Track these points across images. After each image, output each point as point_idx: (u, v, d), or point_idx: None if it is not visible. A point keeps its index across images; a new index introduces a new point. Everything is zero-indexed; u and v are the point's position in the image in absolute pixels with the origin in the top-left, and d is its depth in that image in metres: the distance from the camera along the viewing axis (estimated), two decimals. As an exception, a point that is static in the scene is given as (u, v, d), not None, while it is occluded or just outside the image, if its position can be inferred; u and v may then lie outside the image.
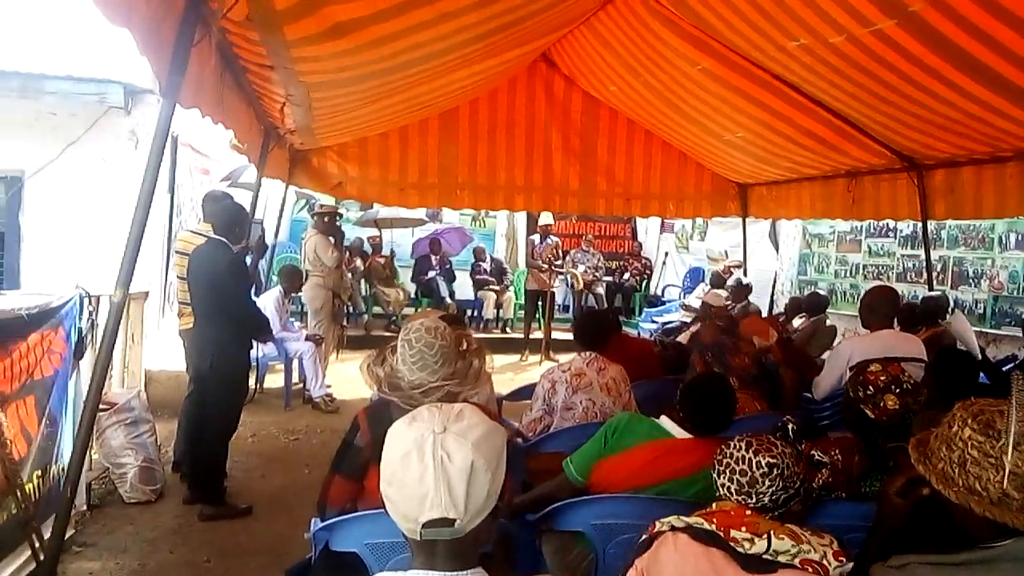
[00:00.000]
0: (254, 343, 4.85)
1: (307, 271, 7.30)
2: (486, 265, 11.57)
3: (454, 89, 5.97)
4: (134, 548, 3.95)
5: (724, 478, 1.84)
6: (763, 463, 1.79)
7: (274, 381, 7.48)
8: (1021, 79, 3.55)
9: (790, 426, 2.28)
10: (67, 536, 3.44)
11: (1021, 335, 6.52)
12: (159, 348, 6.66)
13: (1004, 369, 4.86)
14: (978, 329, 7.60)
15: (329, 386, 7.31)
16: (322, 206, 7.87)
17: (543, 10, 4.09)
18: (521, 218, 12.60)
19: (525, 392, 4.30)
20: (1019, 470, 1.46)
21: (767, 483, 1.78)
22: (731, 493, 1.82)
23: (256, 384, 6.95)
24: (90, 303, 4.06)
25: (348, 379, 7.92)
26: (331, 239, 7.33)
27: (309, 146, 6.75)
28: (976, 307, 7.79)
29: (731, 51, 4.92)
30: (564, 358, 9.35)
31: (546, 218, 10.31)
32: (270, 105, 4.38)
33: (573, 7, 4.64)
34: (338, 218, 7.65)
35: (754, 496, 1.79)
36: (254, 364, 5.37)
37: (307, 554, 2.55)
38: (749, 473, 1.79)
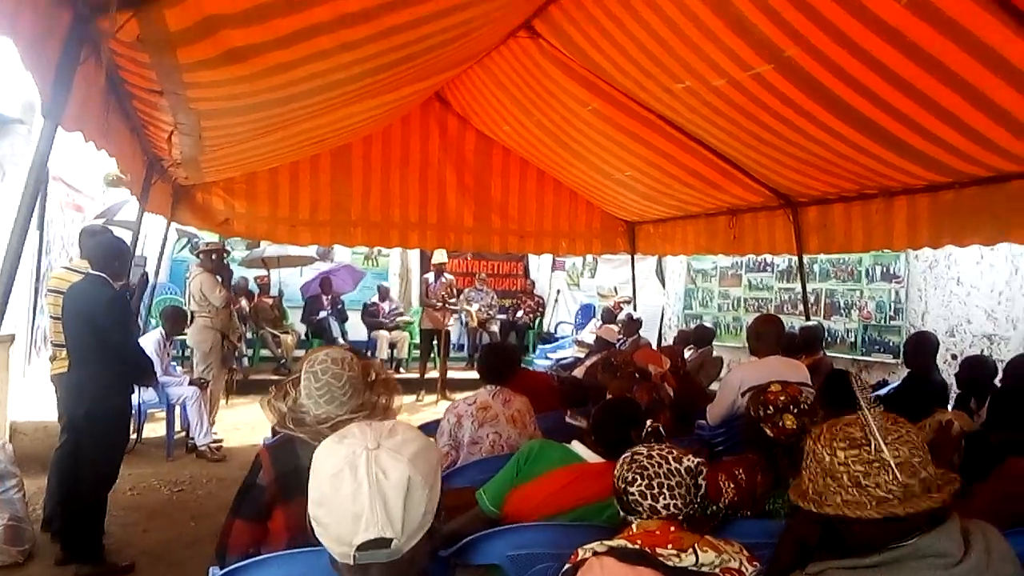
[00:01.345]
0: (135, 388, 4.54)
1: (192, 312, 6.94)
2: (388, 305, 11.38)
3: (348, 124, 5.90)
4: (-1, 616, 3.58)
5: (638, 486, 1.82)
6: (683, 466, 1.81)
7: (154, 430, 7.04)
8: (885, 120, 3.85)
9: (659, 427, 2.39)
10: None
11: (891, 360, 7.00)
12: (25, 397, 6.15)
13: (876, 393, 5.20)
14: (850, 356, 8.12)
15: (216, 433, 6.94)
16: (208, 243, 7.52)
17: (441, 45, 4.12)
18: (414, 257, 12.54)
19: (427, 429, 4.22)
20: (900, 457, 1.55)
21: (684, 488, 1.80)
22: (644, 501, 1.80)
23: (135, 433, 6.52)
24: (-51, 346, 3.72)
25: (235, 425, 7.57)
26: (218, 278, 7.01)
27: (194, 181, 6.49)
28: (848, 336, 8.31)
29: (619, 92, 5.12)
30: (461, 396, 9.33)
31: (440, 256, 10.30)
32: (155, 134, 4.18)
33: (471, 44, 4.70)
34: (225, 256, 7.33)
35: (673, 500, 1.78)
36: (133, 411, 5.02)
37: (205, 607, 2.37)
38: (675, 477, 1.80)
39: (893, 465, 1.54)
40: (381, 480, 1.07)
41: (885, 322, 7.90)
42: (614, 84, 5.01)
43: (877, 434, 1.56)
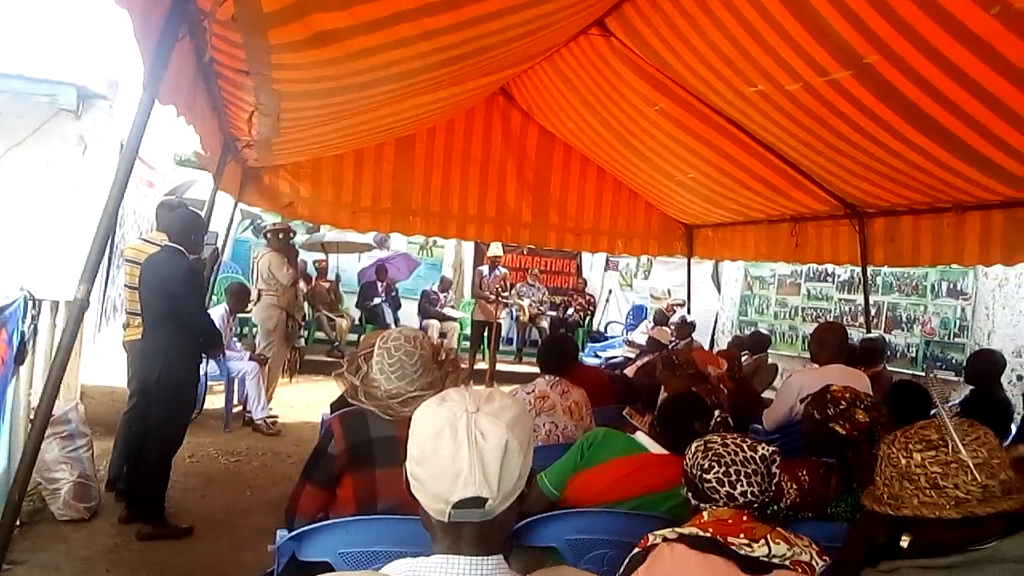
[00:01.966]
0: (204, 357, 4.70)
1: (260, 291, 7.12)
2: (443, 297, 11.52)
3: (415, 115, 6.00)
4: (68, 567, 3.75)
5: (715, 473, 1.82)
6: (757, 455, 1.82)
7: (213, 402, 7.26)
8: (964, 132, 3.77)
9: (727, 418, 2.41)
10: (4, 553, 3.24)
11: (954, 378, 6.83)
12: (94, 363, 6.40)
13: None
14: (911, 372, 7.94)
15: (271, 409, 7.13)
16: (275, 224, 7.72)
17: (517, 38, 4.17)
18: (469, 249, 12.64)
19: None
20: (979, 458, 1.54)
21: (760, 476, 1.81)
22: (721, 488, 1.80)
23: (198, 404, 6.73)
24: (33, 307, 3.89)
25: (290, 403, 7.75)
26: (285, 257, 7.19)
27: (264, 163, 6.67)
28: (908, 351, 8.13)
29: (689, 93, 5.09)
30: (508, 389, 9.38)
31: (495, 249, 10.37)
32: (236, 114, 4.32)
33: (543, 39, 4.74)
34: (291, 236, 7.52)
35: (751, 487, 1.79)
36: (199, 381, 5.20)
37: (267, 568, 2.46)
38: (751, 464, 1.81)
39: (972, 466, 1.53)
40: (480, 442, 1.11)
41: (949, 339, 7.71)
42: (684, 85, 4.99)
43: (955, 435, 1.55)
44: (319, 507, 2.40)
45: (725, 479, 1.79)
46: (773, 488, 1.84)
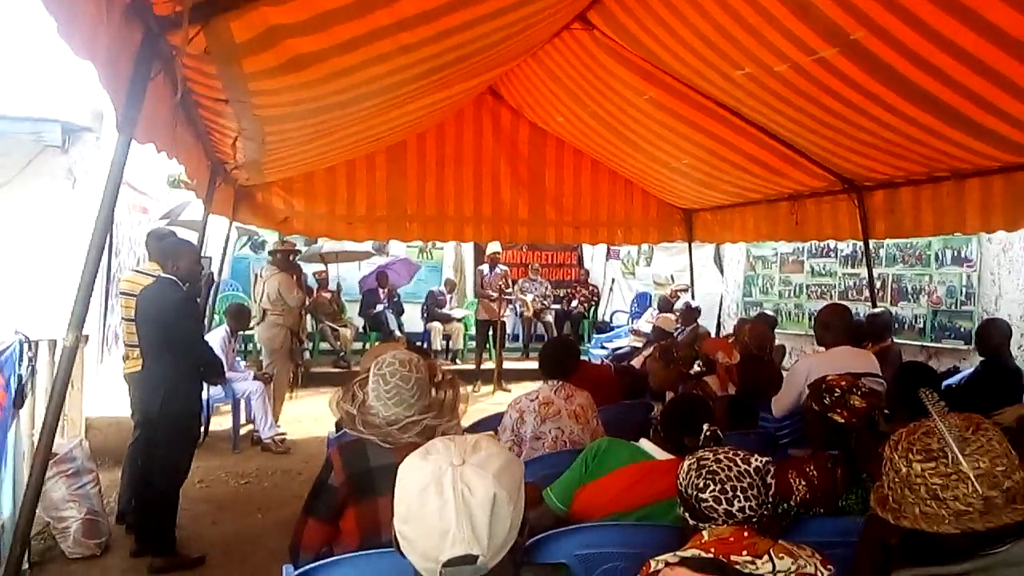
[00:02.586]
0: (205, 385, 4.67)
1: (265, 310, 7.10)
2: (448, 297, 11.47)
3: (403, 123, 5.95)
4: (82, 607, 3.73)
5: (712, 492, 1.78)
6: (751, 467, 1.78)
7: (220, 423, 7.24)
8: (956, 101, 3.71)
9: (716, 431, 2.44)
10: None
11: (963, 347, 6.76)
12: (98, 394, 6.38)
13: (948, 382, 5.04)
14: (919, 343, 7.87)
15: (279, 427, 7.11)
16: (281, 243, 7.69)
17: (497, 43, 4.11)
18: (469, 249, 12.60)
19: (489, 423, 4.24)
20: (981, 469, 1.49)
21: (756, 489, 1.77)
22: (719, 506, 1.76)
23: (203, 427, 6.71)
24: (29, 348, 3.87)
25: (298, 418, 7.73)
26: (294, 278, 7.17)
27: (255, 181, 6.62)
28: (916, 322, 8.06)
29: (677, 80, 5.03)
30: (517, 387, 9.35)
31: (494, 247, 10.32)
32: (220, 140, 4.28)
33: (525, 40, 4.68)
34: (296, 255, 7.49)
35: (748, 502, 1.75)
36: (203, 408, 5.19)
37: (279, 603, 2.43)
38: (747, 478, 1.76)
39: (972, 478, 1.48)
40: (467, 497, 1.07)
41: (956, 307, 7.63)
42: (671, 72, 4.92)
43: (954, 446, 1.50)
44: (323, 541, 2.37)
45: (722, 496, 1.75)
46: (771, 499, 1.79)
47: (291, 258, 7.28)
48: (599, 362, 8.35)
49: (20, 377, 3.74)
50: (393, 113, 5.09)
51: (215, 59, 2.65)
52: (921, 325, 8.00)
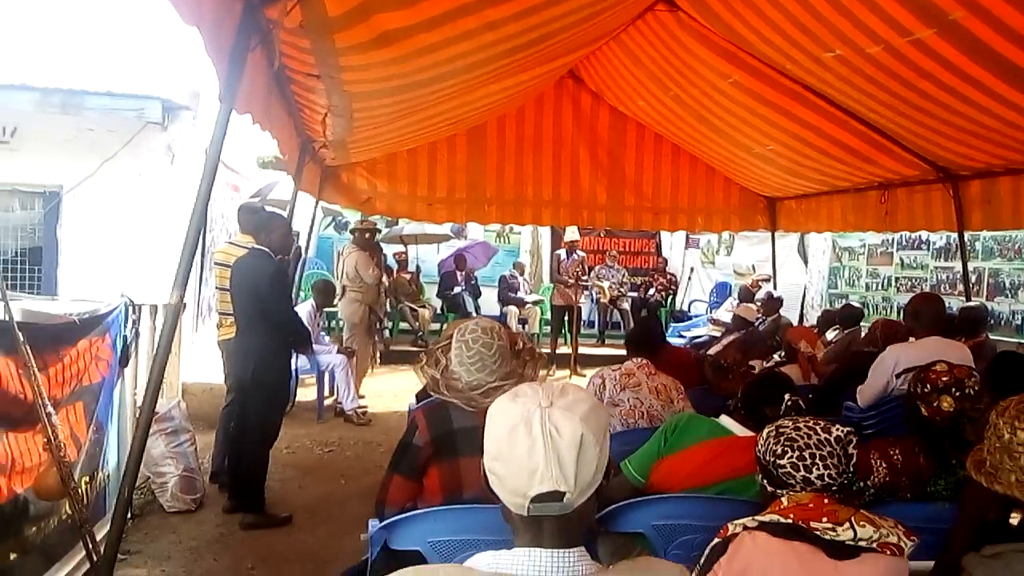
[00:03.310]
0: (294, 353, 4.87)
1: (344, 287, 7.33)
2: (520, 281, 11.53)
3: (484, 105, 6.02)
4: (178, 556, 3.96)
5: (790, 458, 1.78)
6: (832, 436, 1.77)
7: (305, 395, 7.52)
8: (1063, 84, 3.54)
9: (799, 401, 2.42)
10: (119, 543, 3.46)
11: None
12: (193, 361, 6.71)
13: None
14: (1016, 340, 7.52)
15: (363, 396, 7.34)
16: (362, 222, 7.92)
17: (581, 22, 4.13)
18: (545, 234, 12.63)
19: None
20: None
21: (836, 458, 1.76)
22: (797, 473, 1.76)
23: (291, 397, 6.99)
24: (134, 312, 4.12)
25: (378, 393, 7.96)
26: (371, 256, 7.38)
27: (340, 162, 6.83)
28: (1013, 318, 7.71)
29: (763, 63, 4.94)
30: (592, 373, 9.37)
31: (572, 234, 10.33)
32: (310, 116, 4.44)
33: (608, 21, 4.67)
34: (376, 233, 7.70)
35: (827, 470, 1.74)
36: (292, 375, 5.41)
37: (363, 556, 2.54)
38: (827, 447, 1.76)
39: None
40: (555, 436, 1.11)
41: (1056, 304, 7.27)
42: (757, 55, 4.83)
43: None
44: (408, 497, 2.46)
45: (800, 463, 1.75)
46: (852, 469, 1.78)
47: (369, 237, 7.47)
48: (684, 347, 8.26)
49: (125, 338, 3.99)
50: (476, 94, 5.17)
51: (309, 32, 2.77)
52: (1019, 322, 7.65)
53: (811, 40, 4.19)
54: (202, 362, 7.17)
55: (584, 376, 9.29)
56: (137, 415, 3.91)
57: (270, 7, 2.64)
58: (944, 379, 2.46)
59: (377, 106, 4.39)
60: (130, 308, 4.08)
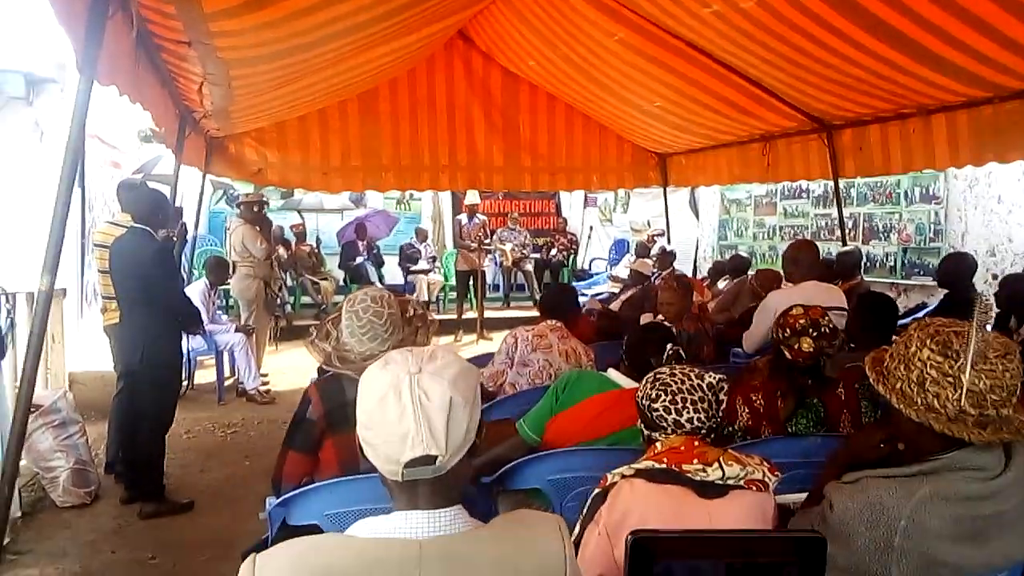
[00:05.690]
0: (184, 335, 4.70)
1: (234, 263, 7.10)
2: (423, 247, 11.41)
3: (372, 68, 5.90)
4: (74, 552, 3.81)
5: (662, 401, 1.86)
6: (704, 383, 1.86)
7: (205, 376, 7.29)
8: (922, 37, 3.73)
9: (679, 351, 2.57)
10: (2, 544, 3.30)
11: (931, 283, 6.92)
12: (79, 349, 6.40)
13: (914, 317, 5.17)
14: (889, 280, 8.04)
15: (265, 375, 7.18)
16: (247, 195, 7.65)
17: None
18: (446, 199, 12.56)
19: (474, 362, 4.32)
20: (976, 388, 1.54)
21: (707, 403, 1.85)
22: (668, 416, 1.84)
23: (187, 379, 6.76)
24: (7, 301, 3.89)
25: (281, 370, 7.80)
26: (258, 229, 7.15)
27: (226, 132, 6.57)
28: (887, 259, 8.21)
29: (646, 20, 5.02)
30: (498, 336, 9.42)
31: (472, 198, 10.32)
32: (186, 86, 4.25)
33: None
34: (264, 207, 7.45)
35: (696, 414, 1.83)
36: (184, 359, 5.22)
37: (263, 535, 2.52)
38: (698, 392, 1.84)
39: (965, 389, 1.53)
40: (424, 402, 1.13)
41: (925, 244, 7.78)
42: (640, 12, 4.91)
43: (971, 356, 1.53)
44: (304, 472, 2.45)
45: (672, 407, 1.83)
46: (720, 415, 1.88)
47: (257, 210, 7.23)
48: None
49: (0, 329, 3.76)
50: (361, 58, 5.05)
51: (173, -1, 2.64)
52: (892, 263, 8.16)
53: (689, -5, 4.28)
54: (90, 350, 6.83)
55: (491, 340, 9.38)
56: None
57: (126, -29, 2.50)
58: (801, 322, 2.61)
59: (256, 72, 4.23)
60: (3, 297, 3.84)
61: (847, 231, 7.41)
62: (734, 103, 5.82)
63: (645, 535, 1.35)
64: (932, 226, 7.71)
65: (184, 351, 4.91)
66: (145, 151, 9.98)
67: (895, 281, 8.02)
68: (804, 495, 2.04)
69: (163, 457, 4.47)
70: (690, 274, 10.20)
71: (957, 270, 4.80)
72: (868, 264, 8.06)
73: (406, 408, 1.13)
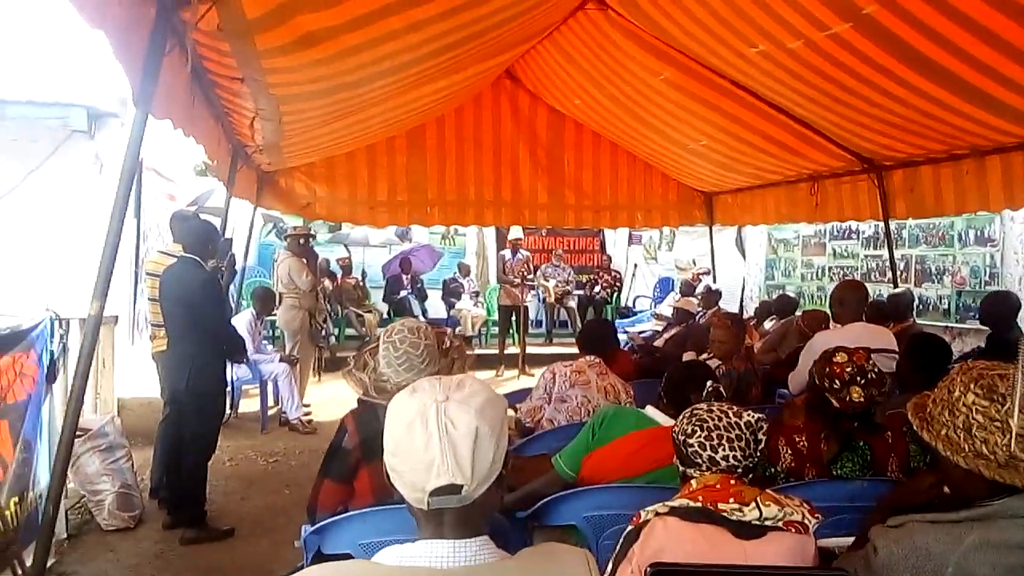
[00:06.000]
0: (229, 363, 4.79)
1: (280, 294, 7.24)
2: (466, 282, 11.51)
3: (420, 106, 6.02)
4: (116, 575, 3.86)
5: (698, 437, 1.83)
6: (742, 420, 1.82)
7: (249, 405, 7.38)
8: (972, 76, 3.67)
9: (719, 388, 2.51)
10: (47, 564, 3.36)
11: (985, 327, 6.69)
12: (129, 375, 6.54)
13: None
14: (943, 324, 7.80)
15: (307, 405, 7.25)
16: (295, 228, 7.82)
17: (508, 21, 4.15)
18: (491, 235, 12.66)
19: (513, 397, 4.30)
20: None
21: (744, 441, 1.81)
22: (703, 452, 1.81)
23: (231, 408, 6.86)
24: (61, 326, 4.00)
25: (324, 401, 7.86)
26: (304, 261, 7.29)
27: (276, 166, 6.75)
28: (940, 303, 7.99)
29: (691, 60, 5.04)
30: (540, 372, 9.40)
31: (516, 233, 10.36)
32: (239, 121, 4.38)
33: (537, 20, 4.71)
34: (311, 240, 7.61)
35: (732, 452, 1.79)
36: (229, 387, 5.30)
37: (298, 563, 2.52)
38: (735, 430, 1.80)
39: (1014, 433, 1.48)
40: (450, 430, 1.13)
41: (980, 287, 7.55)
42: (686, 52, 4.93)
43: (1018, 398, 1.48)
44: (339, 501, 2.45)
45: (707, 443, 1.80)
46: (758, 454, 1.83)
47: (303, 242, 7.39)
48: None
49: (52, 353, 3.86)
50: (409, 95, 5.16)
51: (228, 35, 2.74)
52: (945, 306, 7.94)
53: (734, 35, 4.29)
54: (140, 376, 6.98)
55: (532, 376, 9.33)
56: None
57: (185, 9, 2.60)
58: (848, 370, 2.51)
59: (306, 108, 4.35)
60: (56, 322, 3.96)
61: (899, 273, 7.25)
62: (781, 142, 5.78)
63: (665, 569, 1.32)
64: (988, 269, 7.48)
65: (229, 379, 4.99)
66: (200, 184, 10.28)
67: (949, 324, 7.78)
68: (850, 539, 1.98)
69: (205, 483, 4.52)
70: (736, 314, 10.05)
71: (997, 310, 4.65)
72: (921, 307, 7.85)
73: (432, 436, 1.13)
